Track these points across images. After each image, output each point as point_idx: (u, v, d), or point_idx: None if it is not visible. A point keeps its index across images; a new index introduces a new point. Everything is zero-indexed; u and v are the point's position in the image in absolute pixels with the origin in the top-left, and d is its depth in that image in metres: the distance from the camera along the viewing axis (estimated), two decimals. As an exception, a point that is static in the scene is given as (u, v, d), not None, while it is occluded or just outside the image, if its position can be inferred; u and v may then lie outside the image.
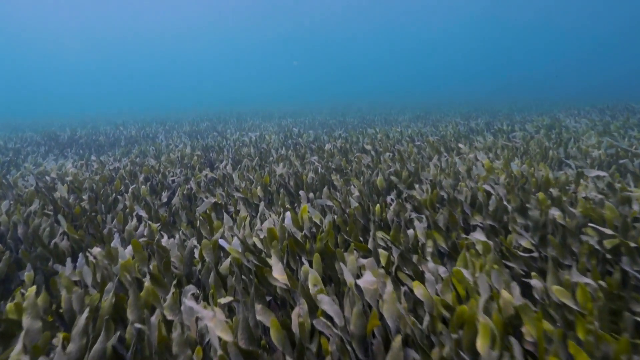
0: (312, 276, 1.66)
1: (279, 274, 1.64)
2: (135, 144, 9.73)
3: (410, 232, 2.54)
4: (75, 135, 10.25)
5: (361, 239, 2.38)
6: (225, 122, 14.47)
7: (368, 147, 5.58)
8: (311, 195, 3.46)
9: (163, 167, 4.91)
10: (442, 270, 1.91)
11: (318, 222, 2.66)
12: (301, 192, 3.42)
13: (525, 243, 2.18)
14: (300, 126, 12.38)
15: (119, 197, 3.74)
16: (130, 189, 3.58)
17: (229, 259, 2.04)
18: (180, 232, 2.73)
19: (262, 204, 3.19)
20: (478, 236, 2.01)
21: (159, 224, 3.11)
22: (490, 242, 1.98)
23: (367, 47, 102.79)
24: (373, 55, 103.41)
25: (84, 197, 3.57)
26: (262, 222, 2.75)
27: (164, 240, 2.42)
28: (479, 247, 2.13)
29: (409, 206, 3.04)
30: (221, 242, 1.99)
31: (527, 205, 2.55)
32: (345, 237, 2.32)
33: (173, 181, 4.33)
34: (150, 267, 2.11)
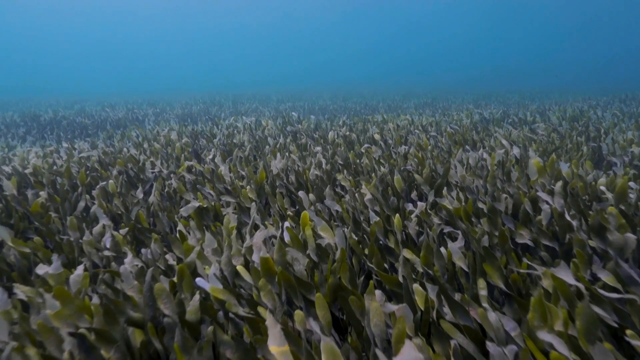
0: (325, 348, 1.08)
1: (276, 346, 1.07)
2: (121, 128, 9.07)
3: (443, 251, 1.97)
4: (57, 116, 9.56)
5: (386, 266, 1.81)
6: (220, 106, 13.77)
7: (377, 136, 4.98)
8: (312, 196, 2.87)
9: (144, 157, 4.30)
10: (510, 325, 1.34)
11: (325, 238, 2.08)
12: (301, 193, 2.82)
13: (608, 279, 1.61)
14: (299, 111, 11.72)
15: (87, 195, 3.14)
16: (98, 186, 2.98)
17: (197, 296, 1.46)
18: (152, 247, 2.14)
19: (253, 207, 2.59)
20: (562, 274, 1.43)
21: (126, 230, 2.52)
22: (580, 285, 1.40)
23: (365, 33, 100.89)
24: (372, 41, 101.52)
25: (41, 193, 2.97)
26: (252, 235, 2.16)
27: (127, 261, 1.84)
28: (547, 283, 1.56)
29: (433, 215, 2.46)
30: (199, 282, 1.41)
31: (596, 221, 1.98)
32: (368, 264, 1.74)
33: (153, 173, 3.73)
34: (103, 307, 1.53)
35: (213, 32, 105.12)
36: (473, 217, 2.36)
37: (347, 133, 5.25)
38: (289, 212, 2.74)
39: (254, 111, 11.79)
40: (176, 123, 8.87)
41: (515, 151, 3.41)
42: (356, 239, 2.07)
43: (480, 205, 2.48)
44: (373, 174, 3.17)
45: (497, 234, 2.04)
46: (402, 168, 3.38)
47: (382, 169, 3.33)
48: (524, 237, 2.08)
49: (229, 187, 3.06)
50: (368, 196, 2.65)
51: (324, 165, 3.40)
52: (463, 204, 2.30)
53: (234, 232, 2.02)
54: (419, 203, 2.57)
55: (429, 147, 4.33)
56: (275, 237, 2.22)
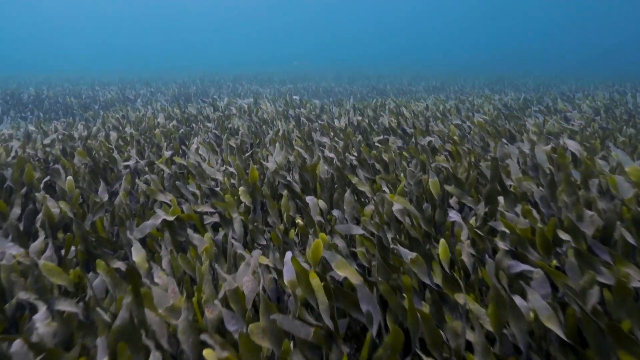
0: None
1: None
2: (110, 109, 8.35)
3: (520, 303, 1.34)
4: (42, 95, 8.82)
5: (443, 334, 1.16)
6: (219, 86, 12.99)
7: (394, 124, 4.30)
8: (322, 203, 2.21)
9: (120, 144, 3.63)
10: None
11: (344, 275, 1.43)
12: (309, 200, 2.17)
13: None
14: (302, 94, 10.97)
15: (37, 194, 2.48)
16: (42, 183, 2.32)
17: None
18: (96, 281, 1.50)
19: (237, 221, 1.94)
20: None
21: (75, 250, 1.88)
22: None
23: (370, 14, 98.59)
24: (378, 23, 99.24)
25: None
26: (236, 270, 1.52)
27: (39, 317, 1.20)
28: None
29: (498, 239, 1.81)
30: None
31: None
32: (420, 354, 1.10)
33: (126, 166, 3.07)
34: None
35: (213, 11, 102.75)
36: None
37: (360, 118, 4.56)
38: (298, 220, 2.09)
39: (254, 93, 11.04)
40: (168, 104, 8.16)
41: (574, 146, 2.74)
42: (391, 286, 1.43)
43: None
44: (402, 174, 2.51)
45: (606, 281, 1.39)
46: (432, 165, 2.73)
47: (409, 166, 2.67)
48: (634, 279, 1.44)
49: (216, 189, 2.40)
50: (397, 207, 2.00)
51: (335, 161, 2.74)
52: (539, 224, 1.63)
53: (207, 266, 1.37)
54: (452, 213, 1.92)
55: (456, 137, 3.66)
56: (276, 266, 1.58)
